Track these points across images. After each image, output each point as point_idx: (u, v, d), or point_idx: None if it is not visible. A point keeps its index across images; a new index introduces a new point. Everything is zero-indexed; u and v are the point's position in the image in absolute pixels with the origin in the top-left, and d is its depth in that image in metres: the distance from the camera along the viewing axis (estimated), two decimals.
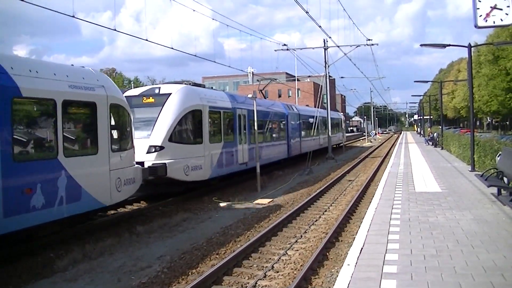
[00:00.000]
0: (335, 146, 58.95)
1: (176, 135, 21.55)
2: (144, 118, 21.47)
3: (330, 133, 50.23)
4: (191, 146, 22.45)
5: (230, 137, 26.77)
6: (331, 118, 51.21)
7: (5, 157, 11.73)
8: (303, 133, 45.23)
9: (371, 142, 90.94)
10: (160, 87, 23.22)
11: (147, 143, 20.43)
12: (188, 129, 22.82)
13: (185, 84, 24.14)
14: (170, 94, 22.10)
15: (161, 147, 20.61)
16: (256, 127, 28.19)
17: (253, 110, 27.88)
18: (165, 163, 20.32)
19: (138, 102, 22.01)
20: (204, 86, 27.78)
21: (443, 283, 8.14)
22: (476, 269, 8.74)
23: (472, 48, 26.41)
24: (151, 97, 22.23)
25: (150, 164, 20.05)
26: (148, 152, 20.34)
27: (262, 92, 39.11)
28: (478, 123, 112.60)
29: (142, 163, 19.50)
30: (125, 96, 19.69)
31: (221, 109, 25.65)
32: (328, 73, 50.53)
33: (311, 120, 48.08)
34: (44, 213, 12.97)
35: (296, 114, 43.43)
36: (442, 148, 46.35)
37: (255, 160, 27.61)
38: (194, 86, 24.90)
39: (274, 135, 35.87)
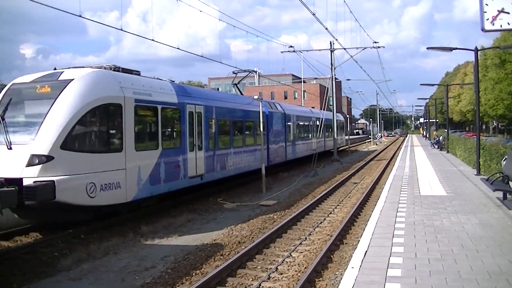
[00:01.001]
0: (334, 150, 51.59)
1: (74, 140, 15.22)
2: (30, 115, 15.80)
3: (336, 135, 50.19)
4: (102, 155, 15.99)
5: (174, 142, 20.56)
6: (327, 119, 48.10)
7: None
8: (290, 136, 39.62)
9: (376, 145, 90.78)
10: (63, 72, 16.44)
11: (27, 151, 14.27)
12: (96, 131, 16.41)
13: (102, 68, 17.94)
14: (71, 81, 15.74)
15: (49, 157, 14.32)
16: (218, 129, 24.69)
17: (214, 107, 24.10)
18: (52, 181, 14.06)
19: (29, 93, 16.05)
20: (137, 73, 19.69)
21: (448, 287, 8.12)
22: (481, 273, 8.71)
23: (478, 52, 26.36)
24: (46, 86, 15.83)
25: (30, 183, 13.86)
26: (29, 165, 14.11)
27: (237, 87, 34.71)
28: (484, 127, 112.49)
29: (19, 181, 13.88)
30: (14, 84, 16.45)
31: (158, 103, 19.02)
32: (334, 75, 50.50)
33: (302, 121, 44.91)
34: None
35: (280, 114, 36.68)
36: (447, 152, 46.26)
37: (216, 171, 23.91)
38: (115, 71, 18.06)
39: (247, 139, 29.14)
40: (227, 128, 26.28)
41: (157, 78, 21.14)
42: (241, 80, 34.83)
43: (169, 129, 20.87)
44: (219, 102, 25.44)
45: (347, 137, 73.22)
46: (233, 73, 33.95)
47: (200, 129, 22.24)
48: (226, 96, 29.35)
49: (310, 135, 46.80)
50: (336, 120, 53.55)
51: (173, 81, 22.94)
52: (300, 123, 43.80)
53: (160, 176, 18.75)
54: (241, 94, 35.52)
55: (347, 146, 67.78)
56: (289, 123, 39.01)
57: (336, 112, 54.22)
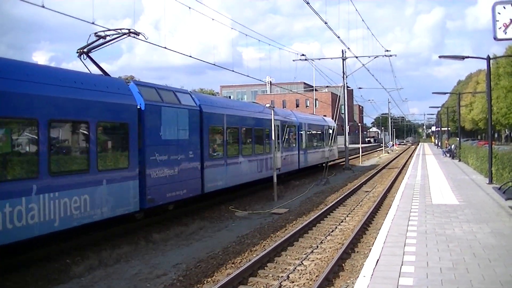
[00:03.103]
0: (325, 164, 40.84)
1: None
2: None
3: (347, 143, 50.15)
4: None
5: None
6: (309, 124, 41.66)
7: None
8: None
9: (388, 153, 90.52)
10: None
11: None
12: None
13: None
14: None
15: None
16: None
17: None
18: None
19: None
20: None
21: None
22: (493, 283, 8.68)
23: (491, 60, 26.29)
24: None
25: None
26: None
27: (89, 58, 18.61)
28: (496, 136, 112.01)
29: None
30: None
31: None
32: (346, 83, 50.47)
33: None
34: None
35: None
36: (459, 160, 46.07)
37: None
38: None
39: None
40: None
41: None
42: (97, 47, 18.67)
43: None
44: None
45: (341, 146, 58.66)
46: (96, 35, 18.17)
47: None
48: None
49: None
50: (325, 126, 47.90)
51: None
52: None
53: None
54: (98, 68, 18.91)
55: (363, 154, 65.54)
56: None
57: (349, 120, 53.71)
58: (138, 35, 18.63)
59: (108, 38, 18.48)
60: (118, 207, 15.80)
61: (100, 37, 18.26)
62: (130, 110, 16.81)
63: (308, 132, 40.71)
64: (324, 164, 45.05)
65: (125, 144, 16.60)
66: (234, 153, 25.33)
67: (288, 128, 34.03)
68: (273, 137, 28.05)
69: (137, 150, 16.88)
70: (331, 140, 49.32)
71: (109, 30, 18.42)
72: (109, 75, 18.32)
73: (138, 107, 17.14)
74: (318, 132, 44.82)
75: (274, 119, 27.79)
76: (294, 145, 35.93)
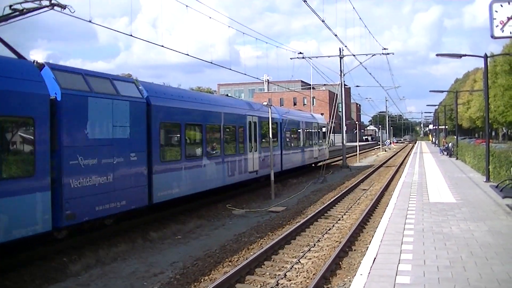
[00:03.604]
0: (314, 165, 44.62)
1: None
2: None
3: (344, 141, 50.15)
4: None
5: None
6: (295, 121, 37.53)
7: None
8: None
9: (385, 151, 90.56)
10: None
11: None
12: None
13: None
14: None
15: None
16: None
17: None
18: None
19: None
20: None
21: None
22: (490, 281, 8.67)
23: (488, 58, 26.30)
24: None
25: None
26: None
27: None
28: (493, 134, 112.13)
29: None
30: None
31: None
32: (344, 81, 50.44)
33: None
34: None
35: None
36: (457, 158, 46.12)
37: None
38: None
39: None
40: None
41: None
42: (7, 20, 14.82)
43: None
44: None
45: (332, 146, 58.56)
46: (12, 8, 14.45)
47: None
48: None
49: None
50: (314, 124, 44.20)
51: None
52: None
53: None
54: None
55: (361, 152, 65.39)
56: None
57: (346, 118, 53.44)
58: (64, 8, 14.82)
59: (25, 11, 14.64)
60: (16, 228, 12.07)
61: (16, 10, 14.47)
62: (37, 102, 13.01)
63: (293, 130, 37.45)
64: (313, 165, 44.31)
65: (30, 146, 12.90)
66: (196, 155, 21.73)
67: (269, 126, 29.21)
68: (248, 136, 26.88)
69: (49, 153, 13.21)
70: (321, 139, 45.92)
71: (27, 1, 14.52)
72: (23, 57, 14.31)
73: (52, 97, 13.54)
74: (306, 130, 40.83)
75: (250, 115, 27.01)
76: (276, 144, 31.92)
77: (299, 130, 39.13)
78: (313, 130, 43.30)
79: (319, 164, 44.53)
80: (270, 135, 27.74)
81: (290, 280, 11.77)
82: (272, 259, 13.78)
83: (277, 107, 38.02)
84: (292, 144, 36.64)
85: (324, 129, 47.34)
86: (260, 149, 29.16)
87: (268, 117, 28.00)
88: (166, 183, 18.60)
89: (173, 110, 19.68)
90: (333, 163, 51.53)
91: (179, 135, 20.35)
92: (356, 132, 75.62)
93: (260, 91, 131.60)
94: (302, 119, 40.35)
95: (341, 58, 49.44)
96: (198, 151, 21.91)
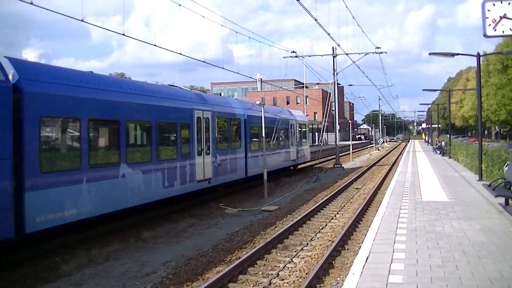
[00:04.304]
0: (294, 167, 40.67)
1: None
2: None
3: (337, 140, 50.15)
4: None
5: None
6: (265, 118, 28.34)
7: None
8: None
9: (378, 150, 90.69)
10: None
11: None
12: None
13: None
14: None
15: None
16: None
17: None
18: None
19: None
20: None
21: None
22: (483, 280, 8.67)
23: (481, 57, 26.33)
24: None
25: None
26: None
27: None
28: (486, 133, 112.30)
29: None
30: None
31: None
32: (337, 80, 50.44)
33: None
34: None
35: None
36: (449, 157, 46.20)
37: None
38: None
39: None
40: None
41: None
42: None
43: None
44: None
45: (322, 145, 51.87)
46: None
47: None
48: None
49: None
50: (291, 121, 38.27)
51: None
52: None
53: None
54: None
55: (354, 151, 65.49)
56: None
57: (339, 117, 53.17)
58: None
59: None
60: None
61: None
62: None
63: (267, 129, 29.65)
64: (292, 167, 40.14)
65: None
66: (109, 162, 16.65)
67: (227, 123, 26.08)
68: (196, 135, 22.05)
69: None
70: (300, 138, 40.56)
71: None
72: None
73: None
74: (280, 128, 34.81)
75: (200, 110, 22.30)
76: (238, 145, 27.41)
77: (272, 128, 32.88)
78: (290, 129, 37.65)
79: (300, 166, 42.42)
80: (256, 135, 25.80)
81: (283, 280, 11.75)
82: (265, 258, 13.76)
83: (241, 101, 34.33)
84: (262, 145, 29.08)
85: (305, 128, 43.23)
86: (215, 151, 23.96)
87: (228, 112, 25.57)
88: (52, 202, 13.67)
89: (65, 101, 14.60)
90: (314, 165, 44.75)
91: (78, 135, 15.32)
92: (349, 130, 75.61)
93: (254, 90, 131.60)
94: (275, 116, 34.18)
95: (334, 57, 49.45)
96: (112, 156, 16.94)
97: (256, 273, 12.44)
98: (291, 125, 37.77)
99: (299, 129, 40.55)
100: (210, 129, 23.53)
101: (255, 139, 30.43)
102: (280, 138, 35.36)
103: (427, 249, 11.00)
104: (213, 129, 23.93)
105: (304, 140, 42.20)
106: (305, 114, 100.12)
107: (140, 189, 17.65)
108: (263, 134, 28.03)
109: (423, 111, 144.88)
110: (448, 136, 54.07)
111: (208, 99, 24.68)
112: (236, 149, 27.05)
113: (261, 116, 27.94)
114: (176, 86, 24.75)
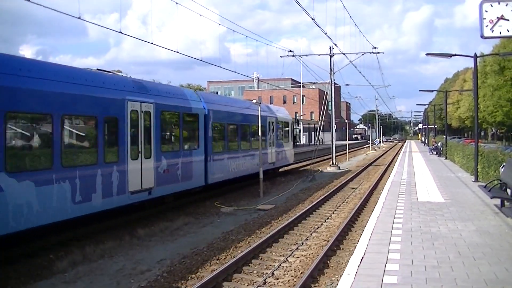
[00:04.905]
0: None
1: None
2: None
3: (333, 140, 50.14)
4: None
5: None
6: (232, 114, 27.67)
7: None
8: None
9: (375, 150, 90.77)
10: None
11: None
12: None
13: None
14: None
15: None
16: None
17: None
18: None
19: None
20: None
21: None
22: (477, 281, 8.65)
23: (478, 58, 26.36)
24: None
25: None
26: None
27: None
28: (482, 134, 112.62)
29: None
30: None
31: None
32: (334, 80, 50.44)
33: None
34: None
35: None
36: (446, 158, 46.24)
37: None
38: None
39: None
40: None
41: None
42: None
43: None
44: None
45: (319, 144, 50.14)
46: None
47: None
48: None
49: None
50: (268, 118, 32.85)
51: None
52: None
53: None
54: None
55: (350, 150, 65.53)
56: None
57: (336, 117, 52.98)
58: None
59: None
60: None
61: None
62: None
63: (229, 126, 26.95)
64: (272, 171, 35.01)
65: None
66: None
67: (179, 119, 21.35)
68: (129, 135, 17.36)
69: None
70: (282, 138, 35.98)
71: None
72: None
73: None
74: (254, 127, 29.31)
75: (136, 101, 17.71)
76: (194, 146, 22.53)
77: (242, 126, 28.88)
78: (268, 127, 32.62)
79: (281, 170, 38.38)
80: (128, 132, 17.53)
81: (277, 279, 11.73)
82: (260, 258, 13.74)
83: (204, 93, 29.03)
84: (229, 146, 26.37)
85: (287, 126, 38.06)
86: (159, 154, 19.28)
87: (181, 106, 21.22)
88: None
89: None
90: (301, 168, 44.28)
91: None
92: (346, 130, 75.56)
93: (250, 89, 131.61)
94: (247, 111, 29.60)
95: (331, 56, 49.41)
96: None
97: (251, 272, 12.41)
98: (269, 122, 32.79)
99: (280, 127, 35.82)
100: (152, 126, 18.79)
101: (220, 139, 25.77)
102: (254, 139, 29.93)
103: (422, 250, 10.98)
104: (157, 126, 19.12)
105: (286, 140, 37.26)
106: (301, 114, 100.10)
107: (31, 207, 12.94)
108: (228, 133, 25.47)
109: (420, 112, 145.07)
110: (445, 136, 54.09)
111: (150, 88, 19.49)
112: (192, 151, 22.13)
113: (228, 112, 25.71)
114: (106, 71, 18.82)
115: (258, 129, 27.43)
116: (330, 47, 49.03)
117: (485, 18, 16.47)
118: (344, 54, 49.77)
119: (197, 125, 22.71)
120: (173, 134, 21.40)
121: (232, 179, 26.92)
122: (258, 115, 27.27)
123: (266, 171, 30.34)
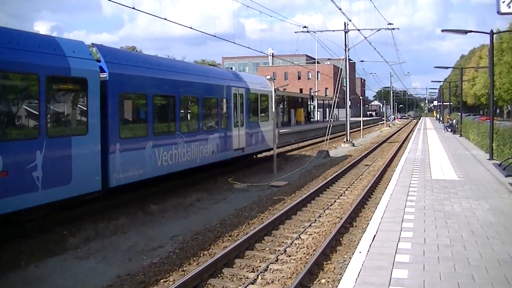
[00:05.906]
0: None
1: None
2: None
3: (348, 116, 49.95)
4: None
5: None
6: (165, 80, 18.83)
7: None
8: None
9: (389, 127, 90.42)
10: None
11: None
12: None
13: None
14: None
15: None
16: None
17: None
18: None
19: None
20: None
21: (456, 274, 8.00)
22: (490, 261, 8.59)
23: (494, 35, 26.01)
24: None
25: None
26: None
27: None
28: (498, 111, 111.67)
29: None
30: None
31: None
32: (348, 56, 50.07)
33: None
34: None
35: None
36: (460, 135, 45.94)
37: None
38: None
39: None
40: None
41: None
42: None
43: None
44: None
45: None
46: None
47: None
48: None
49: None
50: (233, 89, 24.58)
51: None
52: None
53: None
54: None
55: (364, 127, 65.62)
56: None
57: (350, 93, 52.51)
58: None
59: None
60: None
61: None
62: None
63: (159, 100, 18.98)
64: (244, 158, 27.17)
65: None
66: None
67: (47, 87, 12.80)
68: None
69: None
70: (257, 115, 27.82)
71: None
72: None
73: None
74: (213, 101, 23.14)
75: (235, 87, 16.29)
76: (79, 131, 14.25)
77: (183, 100, 20.61)
78: (233, 101, 24.49)
79: (258, 156, 30.43)
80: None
81: (289, 256, 11.73)
82: (273, 234, 13.74)
83: (106, 47, 16.85)
84: (157, 129, 18.14)
85: (266, 100, 29.10)
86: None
87: (54, 66, 13.02)
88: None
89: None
90: (287, 152, 36.30)
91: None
92: (360, 107, 75.16)
93: (265, 65, 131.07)
94: (191, 78, 21.03)
95: (346, 32, 49.01)
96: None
97: (263, 249, 12.41)
98: (234, 95, 24.59)
99: (253, 101, 27.52)
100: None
101: (139, 118, 18.37)
102: (210, 116, 23.04)
103: (435, 228, 10.92)
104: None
105: (263, 119, 28.70)
106: (316, 90, 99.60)
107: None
108: (151, 108, 17.83)
109: (435, 89, 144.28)
110: (460, 114, 53.73)
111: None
112: (76, 136, 14.00)
113: (157, 78, 18.27)
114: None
115: (213, 104, 23.01)
116: (345, 23, 48.61)
117: None
118: (359, 30, 49.44)
119: (84, 97, 14.38)
120: (31, 112, 13.01)
121: (182, 172, 19.76)
122: (228, 86, 23.69)
123: (230, 159, 24.76)
